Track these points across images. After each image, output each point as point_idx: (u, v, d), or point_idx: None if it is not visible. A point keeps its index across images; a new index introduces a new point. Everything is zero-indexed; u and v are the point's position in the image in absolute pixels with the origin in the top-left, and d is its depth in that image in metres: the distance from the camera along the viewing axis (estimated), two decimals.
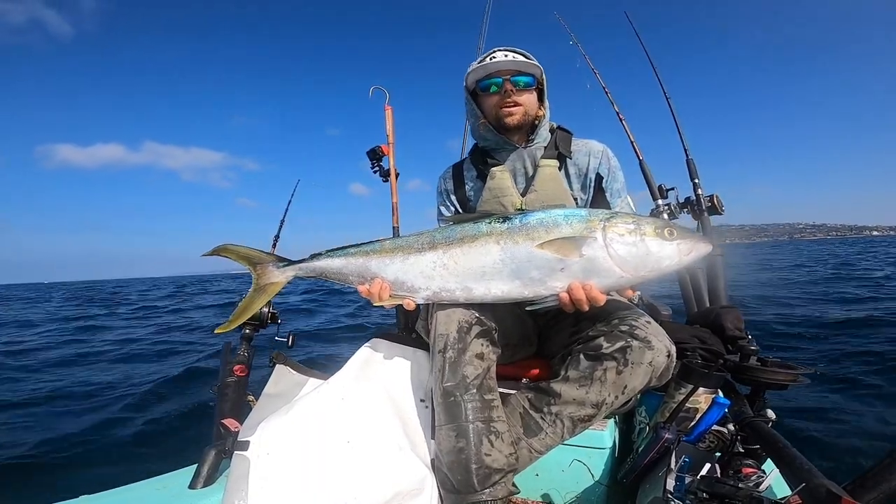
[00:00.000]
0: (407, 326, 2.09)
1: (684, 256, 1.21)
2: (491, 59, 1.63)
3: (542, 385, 1.41)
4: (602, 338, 1.32)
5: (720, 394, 1.45)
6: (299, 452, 1.30)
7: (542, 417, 1.37)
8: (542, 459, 1.39)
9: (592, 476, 1.48)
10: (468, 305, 1.37)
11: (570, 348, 1.43)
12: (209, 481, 1.32)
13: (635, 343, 1.27)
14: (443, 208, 1.88)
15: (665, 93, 2.87)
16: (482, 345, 1.36)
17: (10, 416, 3.79)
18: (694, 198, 2.53)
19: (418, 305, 1.42)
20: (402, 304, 1.40)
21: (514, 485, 1.31)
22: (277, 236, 2.23)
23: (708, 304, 2.21)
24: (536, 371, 1.61)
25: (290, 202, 2.48)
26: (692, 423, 1.32)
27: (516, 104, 1.63)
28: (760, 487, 0.97)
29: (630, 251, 1.20)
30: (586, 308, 1.24)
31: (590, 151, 1.69)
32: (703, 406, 1.35)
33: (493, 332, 1.41)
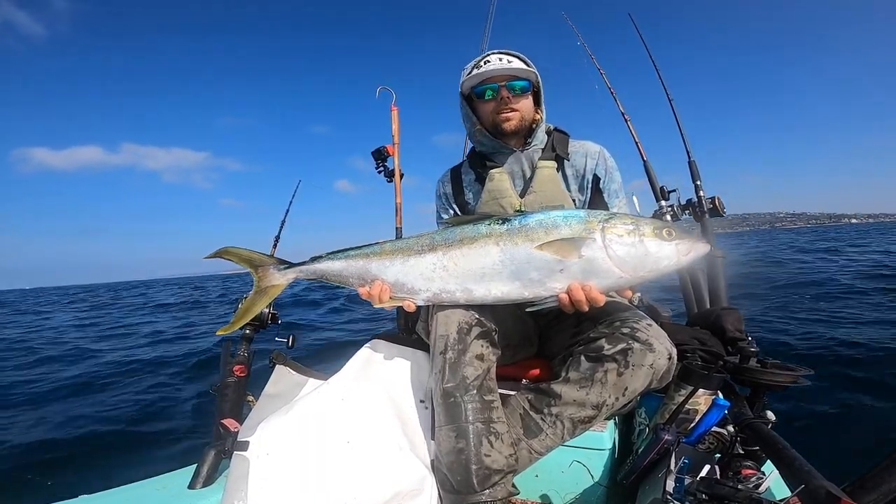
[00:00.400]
0: (407, 327, 2.09)
1: (683, 257, 1.22)
2: (485, 62, 1.63)
3: (542, 386, 1.41)
4: (603, 339, 1.32)
5: (720, 395, 1.45)
6: (299, 453, 1.31)
7: (542, 418, 1.37)
8: (541, 460, 1.39)
9: (592, 477, 1.48)
10: (468, 306, 1.37)
11: (570, 349, 1.43)
12: (209, 481, 1.32)
13: (636, 345, 1.27)
14: (441, 210, 1.88)
15: (668, 94, 2.87)
16: (482, 346, 1.36)
17: (10, 416, 3.80)
18: (696, 200, 2.53)
19: (418, 307, 1.42)
20: (402, 306, 1.40)
21: (513, 486, 1.31)
22: (278, 237, 2.23)
23: (709, 306, 2.20)
24: (537, 372, 1.61)
25: (291, 202, 2.49)
26: (692, 425, 1.32)
27: (513, 110, 1.63)
28: (760, 489, 0.97)
29: (629, 252, 1.21)
30: (586, 309, 1.24)
31: (587, 153, 1.70)
32: (703, 407, 1.35)
33: (494, 333, 1.41)
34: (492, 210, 1.67)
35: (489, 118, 1.67)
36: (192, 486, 1.30)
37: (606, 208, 1.65)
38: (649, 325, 1.33)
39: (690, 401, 1.35)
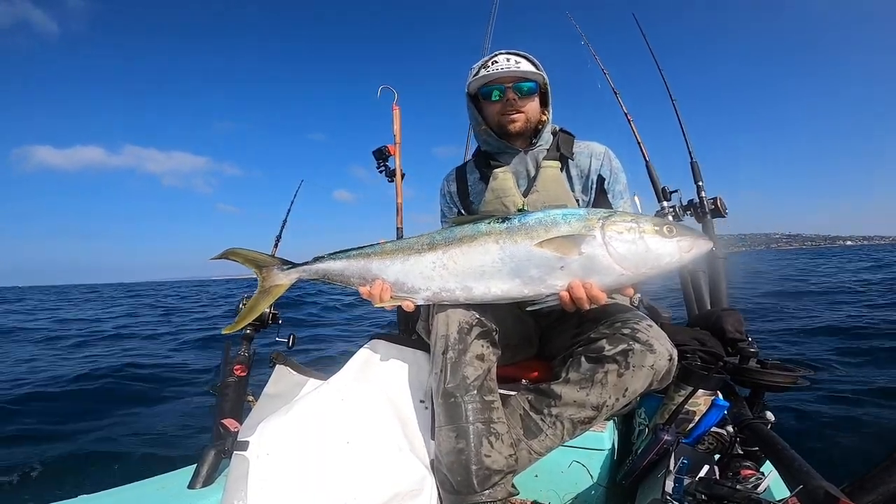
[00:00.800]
0: (407, 328, 2.09)
1: (684, 254, 1.21)
2: (493, 63, 1.62)
3: (542, 387, 1.41)
4: (604, 340, 1.32)
5: (719, 396, 1.45)
6: (299, 453, 1.31)
7: (542, 419, 1.37)
8: (541, 461, 1.39)
9: (591, 477, 1.47)
10: (468, 306, 1.37)
11: (571, 350, 1.43)
12: (208, 481, 1.32)
13: (637, 346, 1.27)
14: (445, 209, 1.89)
15: (670, 94, 2.87)
16: (483, 346, 1.36)
17: (9, 415, 3.81)
18: (697, 200, 2.52)
19: (418, 306, 1.43)
20: (402, 306, 1.40)
21: (513, 486, 1.31)
22: (279, 237, 2.24)
23: (709, 307, 2.20)
24: (537, 372, 1.61)
25: (292, 202, 2.49)
26: (691, 425, 1.32)
27: (518, 111, 1.63)
28: (759, 489, 0.97)
29: (629, 248, 1.20)
30: (587, 307, 1.24)
31: (591, 153, 1.70)
32: (703, 408, 1.35)
33: (494, 333, 1.41)
34: (495, 209, 1.67)
35: (495, 119, 1.67)
36: (192, 485, 1.30)
37: (611, 209, 1.64)
38: (650, 325, 1.33)
39: (690, 401, 1.35)
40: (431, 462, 1.36)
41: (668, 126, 2.79)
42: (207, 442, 1.43)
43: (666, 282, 1.33)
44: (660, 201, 2.57)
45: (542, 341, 1.70)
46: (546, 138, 1.71)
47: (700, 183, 2.58)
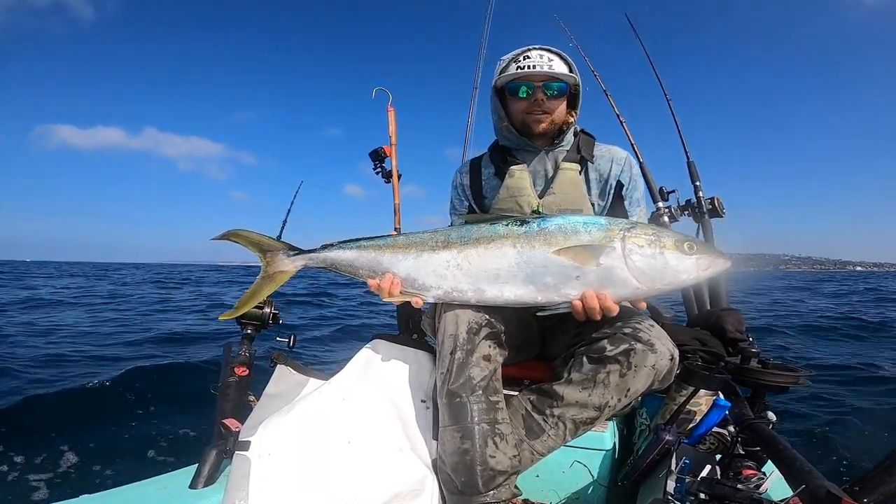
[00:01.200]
0: (408, 327, 2.09)
1: (702, 272, 1.21)
2: (525, 57, 1.57)
3: (544, 387, 1.41)
4: (605, 340, 1.32)
5: (721, 396, 1.45)
6: (300, 453, 1.31)
7: (544, 419, 1.37)
8: (542, 461, 1.39)
9: (593, 477, 1.48)
10: (477, 306, 1.36)
11: (572, 350, 1.43)
12: (210, 481, 1.32)
13: (639, 346, 1.27)
14: (456, 201, 1.85)
15: (665, 94, 2.87)
16: (490, 346, 1.35)
17: (8, 416, 3.79)
18: (695, 200, 2.52)
19: (425, 303, 1.41)
20: (405, 304, 1.39)
21: (516, 486, 1.31)
22: (279, 237, 2.23)
23: (709, 307, 2.20)
24: (539, 373, 1.61)
25: (292, 203, 2.48)
26: (693, 425, 1.32)
27: (545, 112, 1.58)
28: (761, 489, 0.97)
29: (648, 263, 1.20)
30: (598, 318, 1.24)
31: (613, 158, 1.66)
32: (704, 408, 1.35)
33: (502, 334, 1.40)
34: (509, 207, 1.64)
35: (519, 116, 1.62)
36: (193, 485, 1.30)
37: (626, 215, 1.62)
38: (651, 325, 1.33)
39: (691, 401, 1.35)
40: (433, 462, 1.36)
41: (667, 125, 2.79)
42: (209, 442, 1.42)
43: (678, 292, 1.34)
44: (655, 202, 2.57)
45: (544, 342, 1.69)
46: (568, 139, 1.67)
47: (697, 183, 2.58)
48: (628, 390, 1.29)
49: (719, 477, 1.11)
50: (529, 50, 1.59)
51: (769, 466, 1.18)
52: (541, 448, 1.36)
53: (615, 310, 1.23)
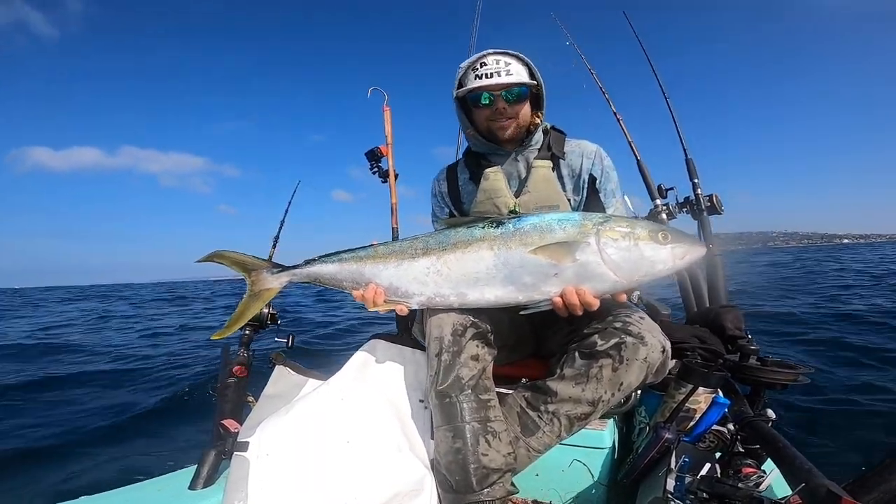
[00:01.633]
0: (407, 327, 2.09)
1: (678, 260, 1.22)
2: (482, 64, 1.55)
3: (538, 384, 1.40)
4: (596, 335, 1.32)
5: (720, 393, 1.45)
6: (299, 453, 1.30)
7: (539, 416, 1.37)
8: (541, 459, 1.39)
9: (592, 476, 1.48)
10: (462, 309, 1.37)
11: (566, 347, 1.43)
12: (209, 482, 1.32)
13: (629, 339, 1.27)
14: (437, 209, 1.86)
15: (664, 91, 2.87)
16: (477, 346, 1.36)
17: (8, 415, 3.79)
18: (693, 197, 2.53)
19: (411, 310, 1.42)
20: (395, 310, 1.40)
21: (512, 484, 1.31)
22: (277, 237, 2.23)
23: (708, 304, 2.21)
24: (534, 371, 1.60)
25: (290, 203, 2.48)
26: (692, 423, 1.32)
27: (509, 118, 1.58)
28: (760, 487, 0.97)
29: (624, 256, 1.21)
30: (580, 313, 1.25)
31: (583, 152, 1.66)
32: (703, 406, 1.35)
33: (489, 333, 1.41)
34: (486, 209, 1.65)
35: (484, 124, 1.62)
36: (192, 486, 1.30)
37: (602, 208, 1.63)
38: (641, 318, 1.33)
39: (690, 399, 1.35)
40: (431, 462, 1.36)
41: (665, 124, 2.79)
42: (207, 443, 1.42)
43: (663, 280, 1.34)
44: (653, 199, 2.57)
45: (538, 340, 1.69)
46: (537, 138, 1.67)
47: (696, 180, 2.58)
48: (621, 384, 1.29)
49: (719, 475, 1.11)
50: (485, 56, 1.56)
51: (769, 464, 1.18)
52: (537, 445, 1.36)
53: (595, 304, 1.23)
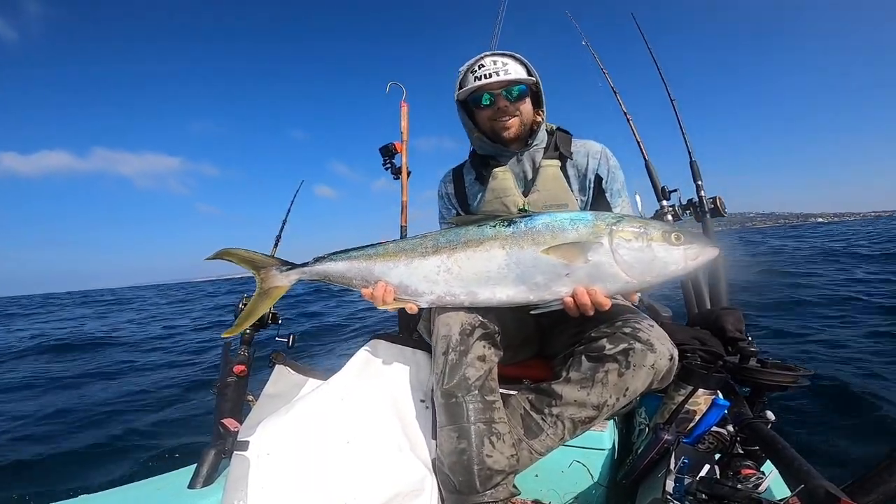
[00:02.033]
0: (407, 327, 2.09)
1: (690, 262, 1.21)
2: (480, 66, 1.58)
3: (543, 386, 1.40)
4: (604, 339, 1.32)
5: (720, 395, 1.45)
6: (299, 453, 1.31)
7: (542, 419, 1.37)
8: (541, 460, 1.39)
9: (592, 477, 1.47)
10: (471, 308, 1.37)
11: (571, 349, 1.43)
12: (208, 481, 1.32)
13: (638, 345, 1.27)
14: (444, 210, 1.87)
15: (669, 94, 2.87)
16: (484, 347, 1.35)
17: (7, 417, 3.80)
18: (697, 199, 2.53)
19: (420, 308, 1.42)
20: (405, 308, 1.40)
21: (514, 486, 1.31)
22: (279, 237, 2.23)
23: (709, 306, 2.20)
24: (538, 372, 1.60)
25: (292, 202, 2.48)
26: (692, 425, 1.32)
27: (512, 116, 1.60)
28: (759, 488, 0.97)
29: (636, 256, 1.20)
30: (591, 313, 1.24)
31: (588, 152, 1.68)
32: (703, 407, 1.35)
33: (496, 334, 1.40)
34: (495, 209, 1.66)
35: (487, 124, 1.64)
36: (192, 485, 1.30)
37: (609, 208, 1.64)
38: (651, 325, 1.33)
39: (690, 401, 1.34)
40: (432, 462, 1.36)
41: (666, 124, 2.79)
42: (207, 442, 1.43)
43: (675, 281, 1.33)
44: (659, 200, 2.57)
45: (542, 341, 1.70)
46: (542, 137, 1.69)
47: (699, 182, 2.58)
48: (627, 389, 1.29)
49: (718, 476, 1.11)
50: (483, 58, 1.60)
51: (768, 466, 1.17)
52: (539, 447, 1.36)
53: (607, 304, 1.23)
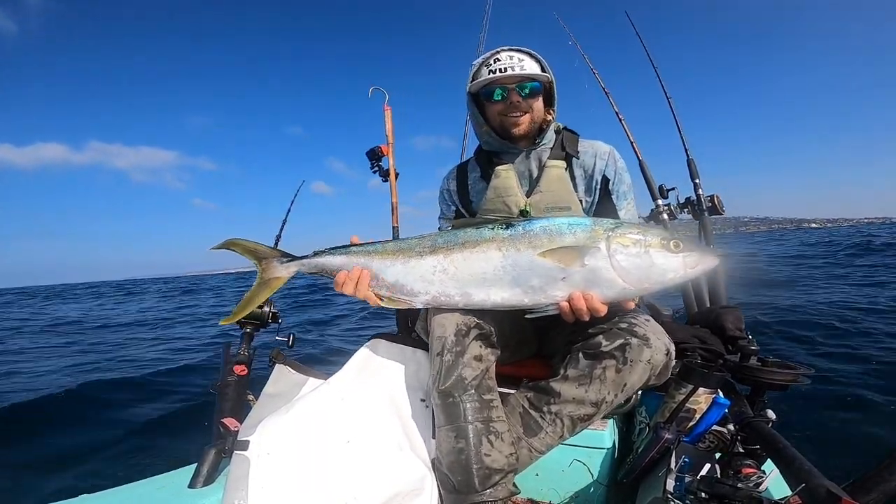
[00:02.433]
0: (407, 327, 2.09)
1: (689, 269, 1.21)
2: (495, 60, 1.57)
3: (541, 384, 1.40)
4: (601, 336, 1.32)
5: (720, 394, 1.45)
6: (299, 452, 1.31)
7: (541, 417, 1.37)
8: (542, 459, 1.39)
9: (592, 476, 1.48)
10: (466, 309, 1.37)
11: (569, 347, 1.43)
12: (209, 481, 1.32)
13: (634, 340, 1.27)
14: (443, 206, 1.86)
15: (665, 92, 2.87)
16: (480, 346, 1.35)
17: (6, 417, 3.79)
18: (694, 198, 2.53)
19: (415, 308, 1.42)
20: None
21: (514, 485, 1.31)
22: (279, 236, 2.23)
23: (709, 305, 2.21)
24: (536, 370, 1.60)
25: (292, 202, 2.48)
26: (692, 424, 1.32)
27: (523, 112, 1.58)
28: (760, 488, 0.97)
29: (633, 263, 1.20)
30: (586, 318, 1.24)
31: (596, 153, 1.65)
32: (703, 406, 1.35)
33: (492, 334, 1.40)
34: (497, 208, 1.64)
35: (497, 119, 1.62)
36: (192, 485, 1.30)
37: (614, 209, 1.62)
38: (647, 320, 1.33)
39: (691, 399, 1.34)
40: (432, 461, 1.36)
41: (663, 123, 2.80)
42: (207, 441, 1.42)
43: (673, 289, 1.34)
44: (655, 199, 2.57)
45: (540, 340, 1.70)
46: (549, 137, 1.67)
47: (697, 180, 2.58)
48: (625, 385, 1.29)
49: (719, 475, 1.11)
50: (499, 52, 1.59)
51: (769, 465, 1.18)
52: (539, 445, 1.36)
53: (603, 310, 1.23)
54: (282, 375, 1.62)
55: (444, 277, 1.34)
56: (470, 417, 1.28)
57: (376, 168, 2.44)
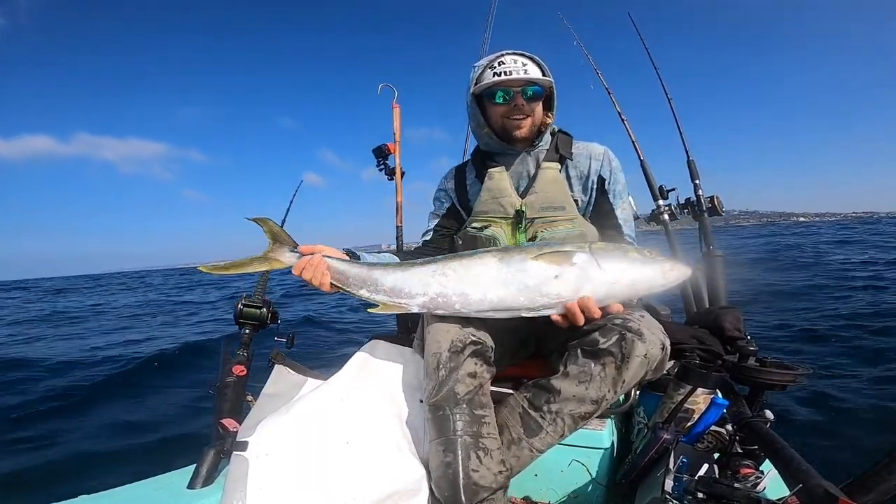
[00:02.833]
0: (406, 327, 2.09)
1: (668, 272, 1.30)
2: (499, 63, 1.60)
3: (541, 382, 1.40)
4: (597, 332, 1.32)
5: (719, 394, 1.45)
6: (298, 453, 1.31)
7: (541, 416, 1.36)
8: (540, 460, 1.39)
9: (591, 476, 1.48)
10: (463, 323, 1.38)
11: (566, 345, 1.43)
12: (208, 481, 1.32)
13: (629, 335, 1.28)
14: (436, 204, 1.88)
15: (667, 93, 2.87)
16: (475, 364, 1.35)
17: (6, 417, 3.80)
18: (694, 199, 2.53)
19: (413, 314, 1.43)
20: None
21: (510, 501, 1.30)
22: None
23: (707, 305, 2.21)
24: (534, 370, 1.60)
25: (291, 202, 2.48)
26: (690, 424, 1.32)
27: (526, 116, 1.62)
28: (758, 488, 0.97)
29: (614, 255, 1.31)
30: (581, 322, 1.27)
31: (591, 154, 1.69)
32: (702, 406, 1.35)
33: (489, 350, 1.40)
34: (491, 209, 1.67)
35: (499, 121, 1.65)
36: (191, 486, 1.30)
37: (610, 209, 1.67)
38: (642, 315, 1.34)
39: (689, 400, 1.35)
40: None
41: (663, 123, 2.80)
42: (207, 442, 1.42)
43: (658, 294, 1.39)
44: (655, 200, 2.58)
45: (538, 341, 1.70)
46: (546, 139, 1.70)
47: (697, 181, 2.58)
48: (623, 381, 1.29)
49: (717, 476, 1.11)
50: (503, 55, 1.62)
51: (767, 465, 1.18)
52: (540, 445, 1.35)
53: (596, 311, 1.27)
54: (281, 376, 1.62)
55: (442, 279, 1.37)
56: (459, 431, 1.28)
57: (382, 166, 2.44)
